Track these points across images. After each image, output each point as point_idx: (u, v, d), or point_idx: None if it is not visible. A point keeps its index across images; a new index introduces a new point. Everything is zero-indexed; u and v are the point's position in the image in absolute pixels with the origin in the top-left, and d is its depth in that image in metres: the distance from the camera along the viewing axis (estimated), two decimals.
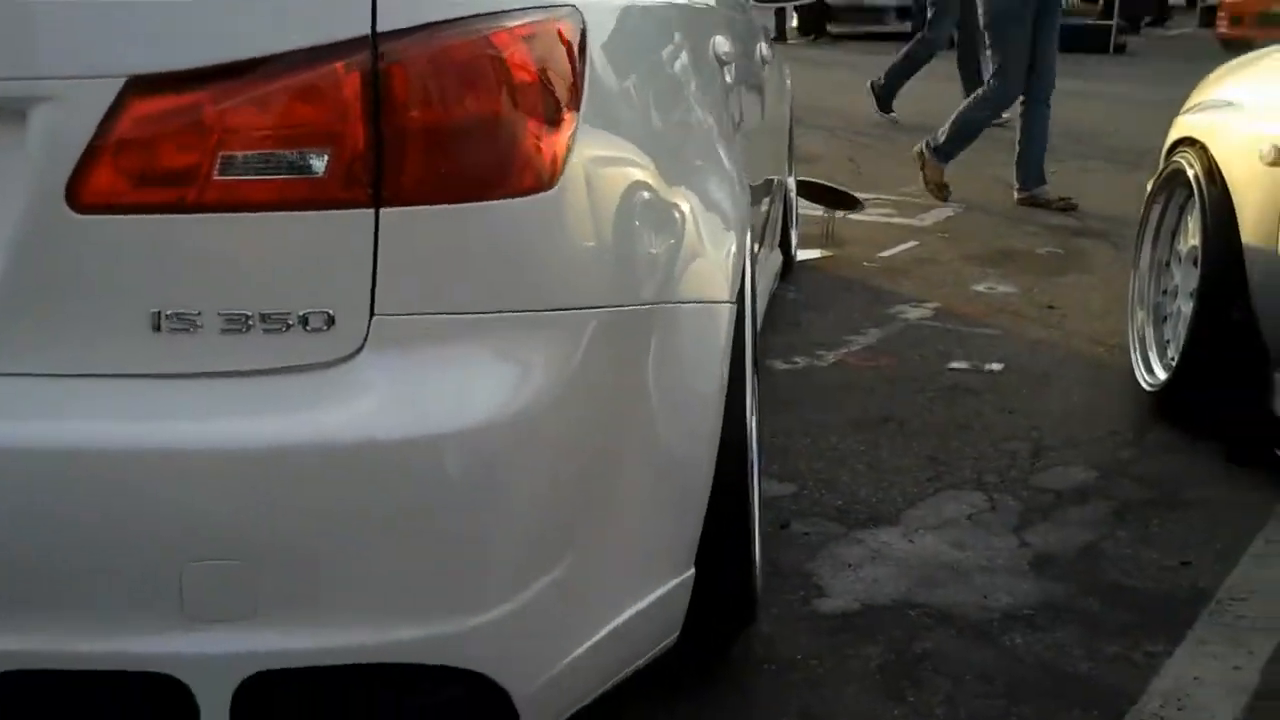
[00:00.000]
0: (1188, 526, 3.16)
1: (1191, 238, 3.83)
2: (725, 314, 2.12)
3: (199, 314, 1.57)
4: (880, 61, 10.13)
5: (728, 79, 2.76)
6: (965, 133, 6.76)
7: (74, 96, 1.54)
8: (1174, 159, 3.92)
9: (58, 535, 1.55)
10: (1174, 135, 4.01)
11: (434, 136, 1.61)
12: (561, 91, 1.71)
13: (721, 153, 2.45)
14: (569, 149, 1.71)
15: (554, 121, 1.69)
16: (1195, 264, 3.78)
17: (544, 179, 1.67)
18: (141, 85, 1.53)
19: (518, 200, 1.66)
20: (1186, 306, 3.81)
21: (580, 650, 1.84)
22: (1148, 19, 18.60)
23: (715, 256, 2.16)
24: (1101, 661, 2.54)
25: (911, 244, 6.17)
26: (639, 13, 2.15)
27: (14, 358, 1.59)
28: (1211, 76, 4.16)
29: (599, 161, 1.80)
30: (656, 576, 2.02)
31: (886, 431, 3.74)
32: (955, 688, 2.44)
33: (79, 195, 1.54)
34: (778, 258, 4.94)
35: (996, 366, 4.33)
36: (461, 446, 1.62)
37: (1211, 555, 3.00)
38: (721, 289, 2.13)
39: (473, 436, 1.62)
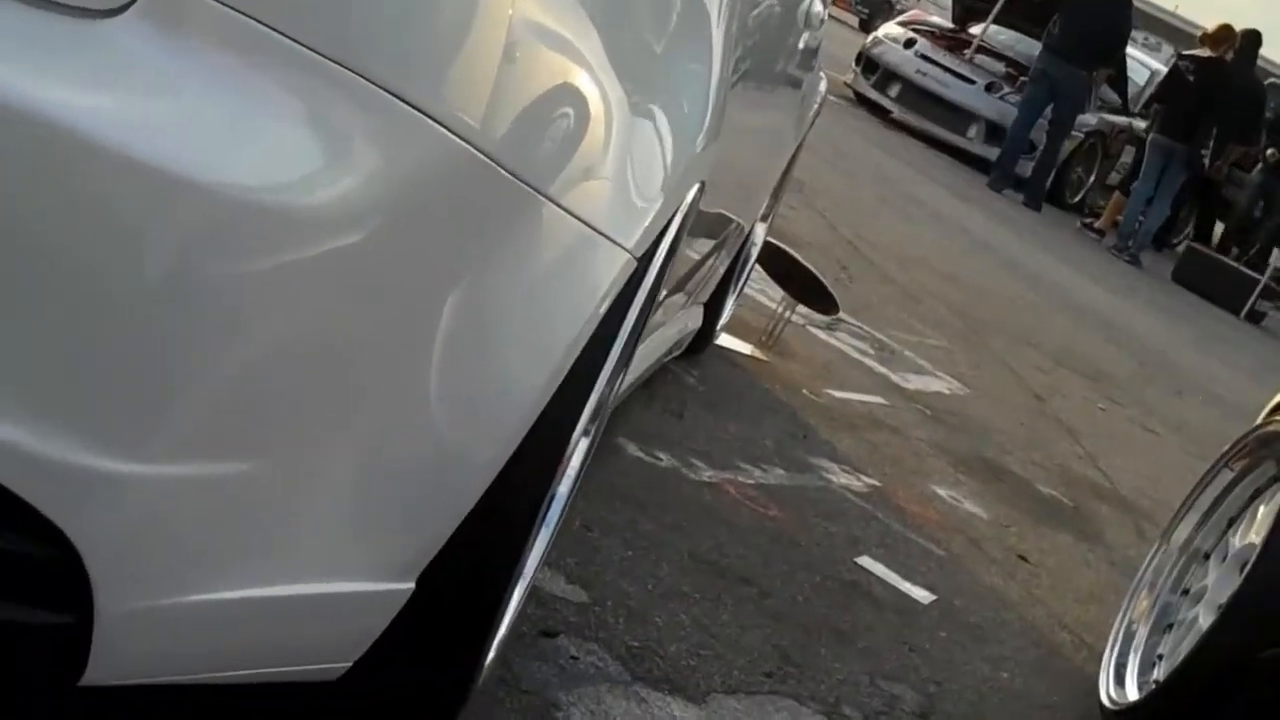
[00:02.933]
0: None
1: (1255, 533, 3.92)
2: (619, 263, 2.13)
3: None
4: (939, 171, 10.35)
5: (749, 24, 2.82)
6: None
7: None
8: (1277, 418, 4.02)
9: None
10: None
11: None
12: None
13: (719, 72, 2.48)
14: None
15: None
16: (1242, 570, 3.86)
17: None
18: None
19: None
20: (1205, 619, 3.89)
21: (220, 595, 1.81)
22: None
23: (648, 193, 2.18)
24: None
25: (877, 399, 6.28)
26: None
27: None
28: None
29: None
30: (366, 564, 2.00)
31: (739, 594, 3.76)
32: None
33: None
34: (694, 322, 4.97)
35: (922, 594, 4.38)
36: (207, 205, 1.59)
37: None
38: (628, 231, 2.14)
39: (226, 199, 1.60)
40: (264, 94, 1.65)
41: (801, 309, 6.31)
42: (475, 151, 1.80)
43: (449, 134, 1.77)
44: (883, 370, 6.77)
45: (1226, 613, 3.68)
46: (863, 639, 3.89)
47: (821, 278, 6.28)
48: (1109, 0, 15.49)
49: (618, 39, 2.09)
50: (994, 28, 18.37)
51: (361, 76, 1.69)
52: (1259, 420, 4.23)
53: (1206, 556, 4.14)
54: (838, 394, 6.05)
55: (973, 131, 17.36)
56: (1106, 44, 15.82)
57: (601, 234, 2.08)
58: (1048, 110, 16.30)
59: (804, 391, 5.88)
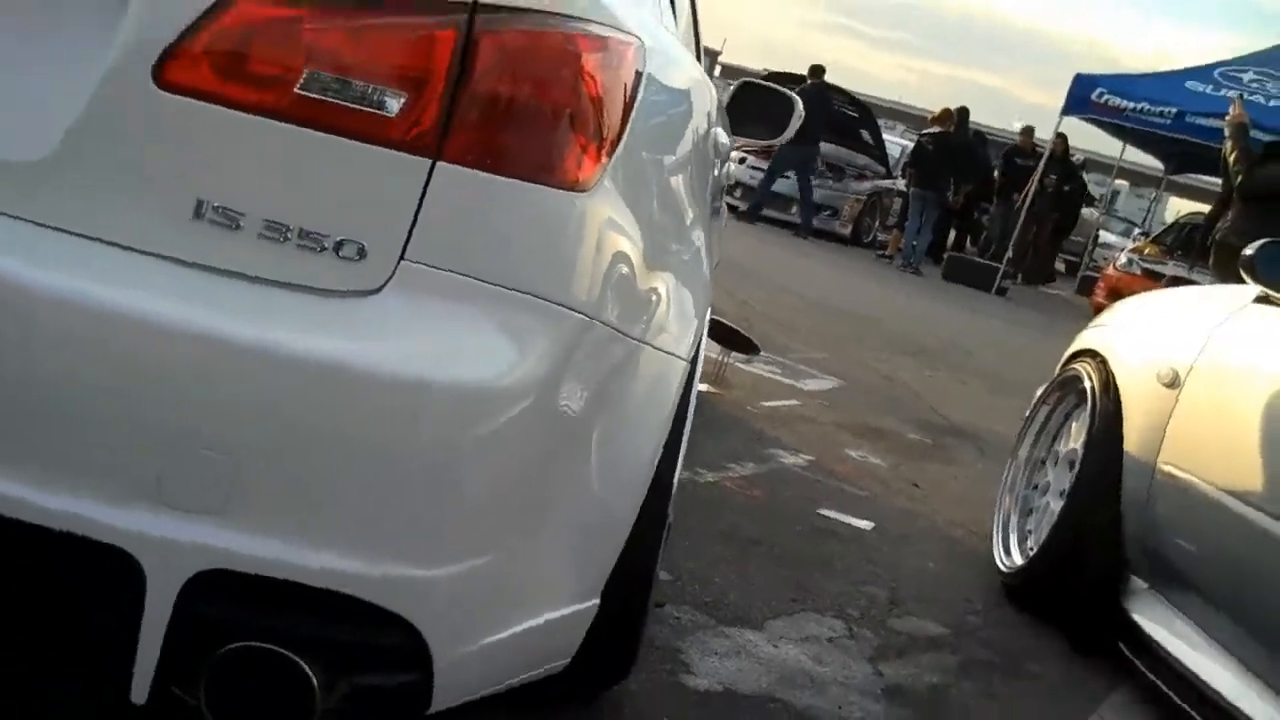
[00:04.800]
0: (1027, 694, 3.27)
1: (1073, 441, 4.01)
2: (681, 369, 2.19)
3: (242, 213, 1.60)
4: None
5: (715, 173, 2.86)
6: None
7: None
8: (1072, 366, 4.12)
9: (55, 385, 1.55)
10: (1076, 346, 4.22)
11: (504, 109, 1.67)
12: (617, 109, 1.80)
13: (703, 233, 2.55)
14: (608, 163, 1.78)
15: (605, 132, 1.77)
16: (1070, 467, 3.94)
17: (584, 180, 1.75)
18: None
19: (557, 192, 1.72)
20: (1055, 504, 3.97)
21: (499, 636, 1.86)
22: (1046, 280, 19.53)
23: (687, 318, 2.24)
24: None
25: (793, 402, 6.32)
26: (677, 74, 2.25)
27: (58, 211, 1.60)
28: (1120, 304, 4.39)
29: (625, 186, 1.88)
30: (570, 594, 2.05)
31: (756, 552, 3.81)
32: None
33: (167, 72, 1.57)
34: None
35: (864, 524, 4.43)
36: (448, 398, 1.65)
37: None
38: (686, 347, 2.20)
39: (459, 392, 1.65)
40: (475, 320, 1.69)
41: (733, 354, 6.36)
42: (605, 325, 1.85)
43: (589, 318, 1.81)
44: (790, 381, 6.81)
45: (1073, 490, 3.74)
46: (839, 563, 3.94)
47: (741, 331, 6.33)
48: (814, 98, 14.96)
49: (672, 224, 2.13)
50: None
51: (529, 294, 1.74)
52: (1057, 370, 4.31)
53: (1043, 463, 4.21)
54: (768, 404, 6.09)
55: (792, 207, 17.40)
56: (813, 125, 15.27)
57: (673, 355, 2.14)
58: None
59: (747, 407, 5.92)
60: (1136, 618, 3.48)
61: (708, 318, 2.31)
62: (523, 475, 1.78)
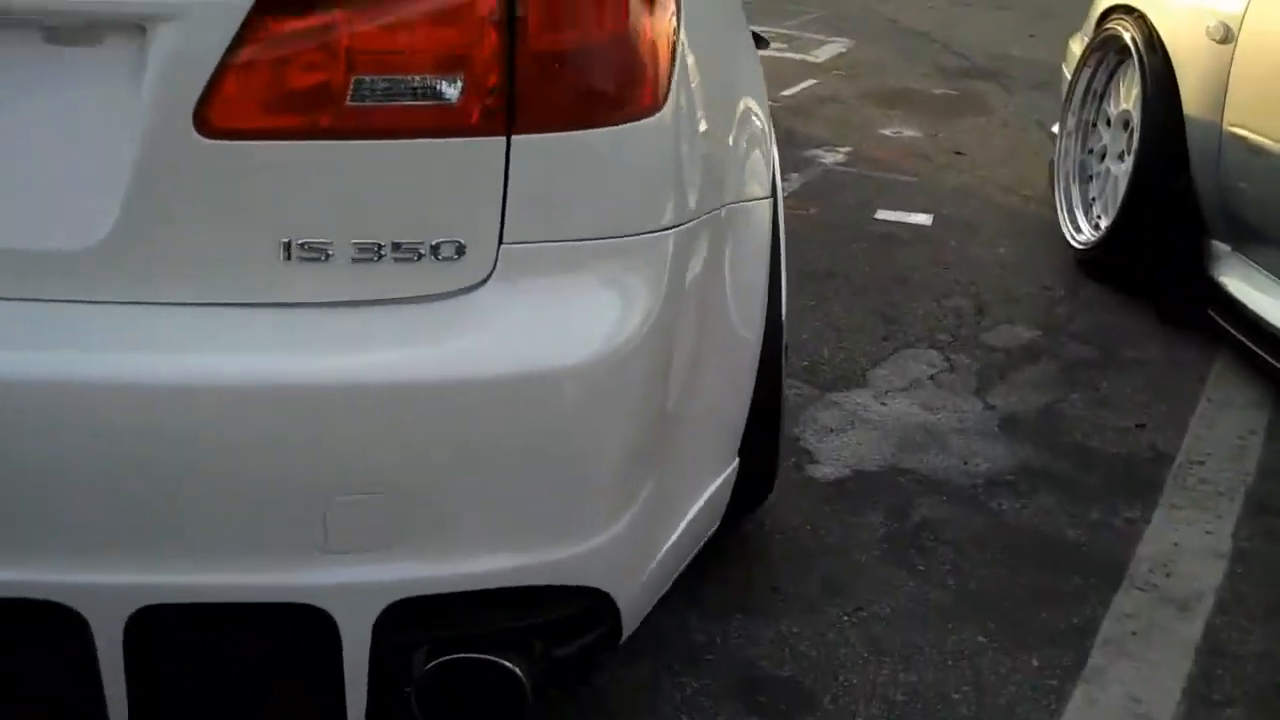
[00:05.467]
0: (1134, 387, 3.28)
1: (1124, 102, 3.89)
2: (768, 205, 2.12)
3: (330, 243, 1.50)
4: None
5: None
6: None
7: (202, 15, 1.43)
8: (1108, 25, 3.95)
9: (186, 472, 1.50)
10: (1108, 2, 4.03)
11: (565, 59, 1.54)
12: (670, 9, 1.66)
13: (755, 72, 2.42)
14: (672, 68, 1.67)
15: (665, 40, 1.64)
16: (1125, 127, 3.84)
17: (658, 99, 1.63)
18: (271, 4, 1.44)
19: (636, 123, 1.61)
20: (1116, 167, 3.89)
21: (662, 553, 1.86)
22: None
23: (760, 158, 2.15)
24: (1086, 528, 2.65)
25: (811, 82, 6.15)
26: None
27: (138, 285, 1.50)
28: None
29: (687, 81, 1.76)
30: (716, 469, 2.04)
31: (833, 286, 3.77)
32: (958, 556, 2.52)
33: (207, 119, 1.45)
34: None
35: (923, 219, 4.37)
36: (581, 375, 1.59)
37: (1161, 417, 3.12)
38: (765, 186, 2.12)
39: (590, 365, 1.60)
40: (585, 285, 1.62)
41: None
42: (699, 217, 1.76)
43: (684, 225, 1.72)
44: (801, 57, 6.62)
45: (1136, 163, 3.65)
46: (915, 276, 3.90)
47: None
48: None
49: (729, 83, 2.01)
50: None
51: (629, 235, 1.65)
52: (1091, 30, 4.15)
53: (1094, 125, 4.10)
54: (788, 92, 5.93)
55: None
56: None
57: (757, 199, 2.05)
58: None
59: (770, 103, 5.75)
60: (1222, 281, 3.45)
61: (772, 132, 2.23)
62: (663, 406, 1.74)
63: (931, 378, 3.25)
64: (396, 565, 1.56)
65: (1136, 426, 3.07)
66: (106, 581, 1.53)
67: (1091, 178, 4.09)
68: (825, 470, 2.79)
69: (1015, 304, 3.73)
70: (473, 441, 1.55)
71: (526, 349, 1.57)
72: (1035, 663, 2.24)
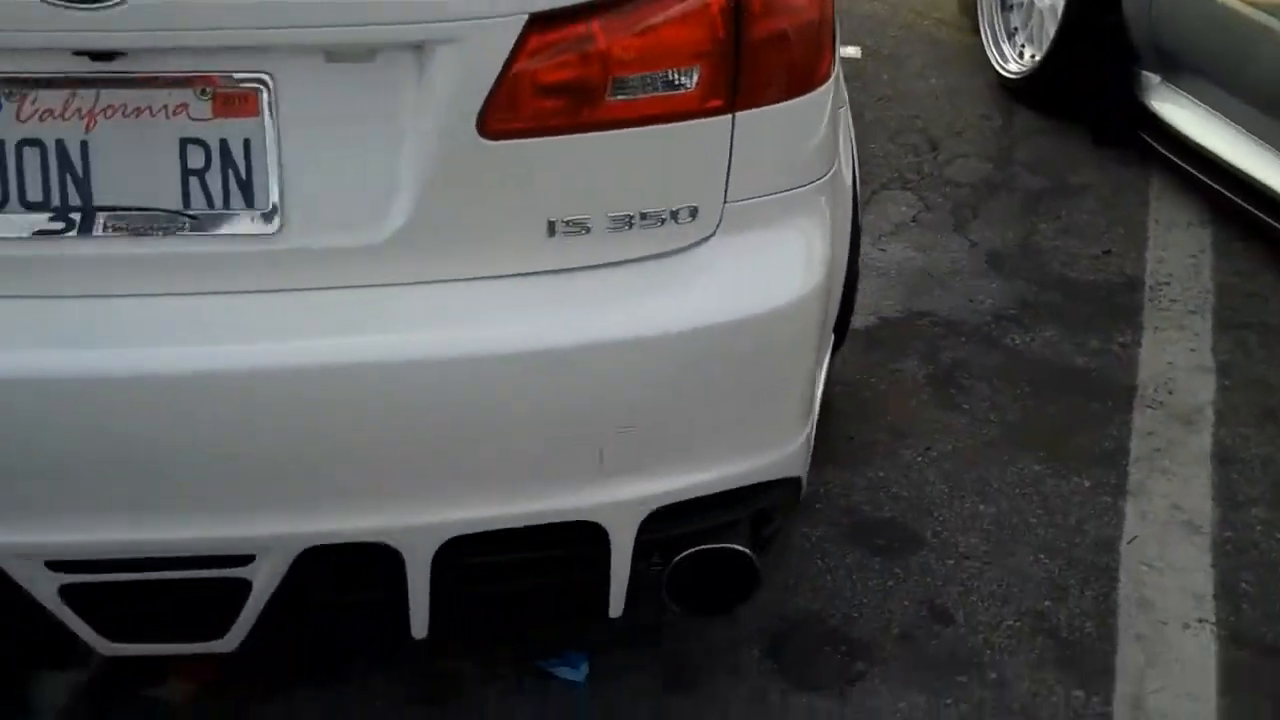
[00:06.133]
0: (1089, 213, 3.63)
1: None
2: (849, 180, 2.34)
3: (588, 219, 1.72)
4: None
5: None
6: None
7: (479, 36, 1.61)
8: None
9: (488, 424, 1.72)
10: None
11: (776, 44, 1.76)
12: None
13: None
14: (838, 45, 1.91)
15: (834, 25, 1.88)
16: None
17: (829, 71, 1.87)
18: (540, 21, 1.62)
19: (814, 92, 1.84)
20: (1041, 0, 4.16)
21: (810, 428, 2.14)
22: None
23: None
24: (1090, 354, 3.02)
25: None
26: None
27: (427, 268, 1.70)
28: None
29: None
30: (830, 349, 2.32)
31: None
32: (992, 391, 2.87)
33: (488, 124, 1.62)
34: None
35: (853, 52, 4.59)
36: (793, 312, 1.84)
37: (1121, 241, 3.50)
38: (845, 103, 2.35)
39: (798, 302, 1.84)
40: (783, 230, 1.85)
41: None
42: (836, 169, 1.99)
43: (829, 172, 1.94)
44: None
45: (1066, 5, 3.93)
46: (864, 114, 4.13)
47: None
48: None
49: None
50: None
51: (805, 184, 1.88)
52: None
53: None
54: None
55: None
56: None
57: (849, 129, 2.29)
58: None
59: None
60: (1154, 107, 3.80)
61: None
62: (828, 324, 2.01)
63: (914, 219, 3.55)
64: (655, 481, 1.82)
65: (1104, 253, 3.43)
66: (419, 523, 1.76)
67: (1011, 7, 4.36)
68: (856, 320, 3.08)
69: (962, 137, 4.02)
70: (711, 373, 1.80)
71: (749, 291, 1.82)
72: (1087, 483, 2.62)
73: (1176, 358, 3.01)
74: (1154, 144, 3.78)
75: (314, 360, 1.67)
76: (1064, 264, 3.38)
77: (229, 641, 1.84)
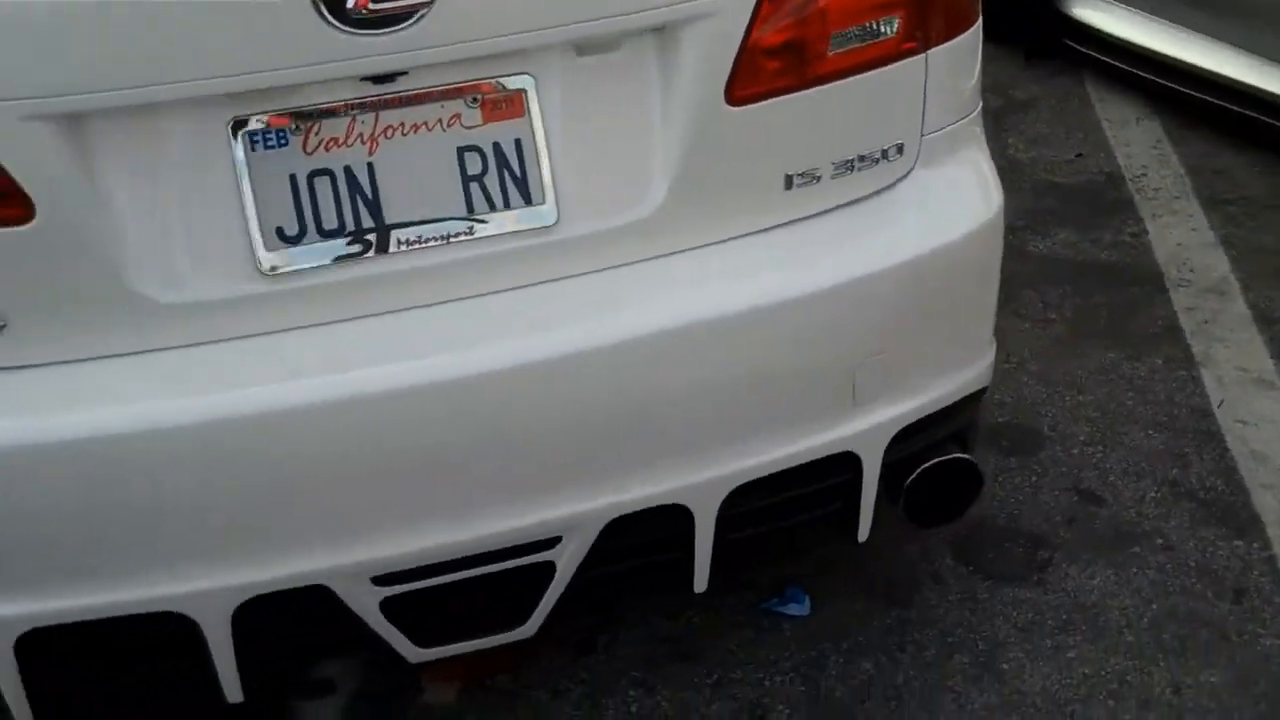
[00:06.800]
0: (1047, 123, 3.87)
1: None
2: None
3: (818, 168, 1.84)
4: None
5: None
6: None
7: (722, 11, 1.71)
8: None
9: (763, 374, 1.83)
10: None
11: None
12: None
13: None
14: None
15: None
16: None
17: (979, 13, 2.02)
18: None
19: (974, 28, 1.99)
20: None
21: None
22: None
23: None
24: (1108, 247, 3.25)
25: None
26: None
27: (685, 236, 1.80)
28: None
29: None
30: None
31: None
32: (1040, 296, 3.07)
33: (734, 92, 1.73)
34: None
35: None
36: (990, 229, 2.00)
37: (1081, 142, 3.74)
38: None
39: (994, 221, 2.00)
40: (966, 154, 2.01)
41: None
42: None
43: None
44: None
45: None
46: None
47: None
48: None
49: None
50: None
51: (969, 115, 2.02)
52: None
53: None
54: None
55: None
56: None
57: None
58: None
59: None
60: (1076, 14, 4.06)
61: None
62: None
63: None
64: (896, 404, 1.95)
65: (1076, 156, 3.67)
66: (708, 478, 1.86)
67: None
68: None
69: None
70: (934, 295, 1.94)
71: (952, 217, 1.96)
72: (1159, 360, 2.83)
73: (1183, 238, 3.24)
74: (1083, 50, 4.02)
75: (607, 338, 1.75)
76: (1047, 171, 3.60)
77: (529, 627, 1.91)
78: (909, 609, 2.25)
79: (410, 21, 1.57)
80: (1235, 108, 3.54)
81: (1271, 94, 3.45)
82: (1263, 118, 3.47)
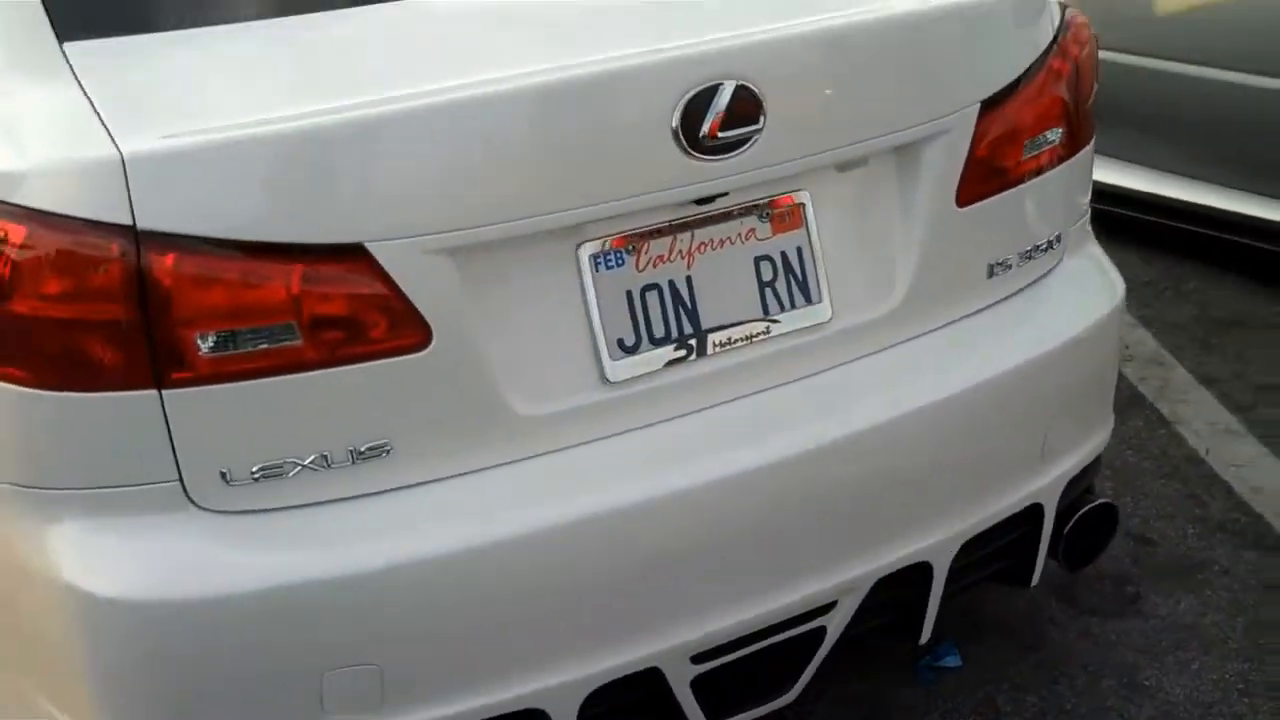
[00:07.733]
0: None
1: None
2: None
3: (1010, 258, 2.13)
4: None
5: None
6: None
7: (957, 127, 2.02)
8: None
9: (993, 438, 2.10)
10: None
11: (1086, 103, 2.21)
12: None
13: None
14: None
15: None
16: None
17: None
18: (986, 106, 2.04)
19: (1092, 141, 2.30)
20: None
21: None
22: None
23: None
24: None
25: None
26: None
27: (916, 322, 2.06)
28: None
29: None
30: None
31: None
32: None
33: (961, 196, 2.02)
34: None
35: None
36: (1122, 305, 2.31)
37: None
38: None
39: (1120, 304, 2.30)
40: (1089, 243, 2.35)
41: None
42: None
43: None
44: None
45: None
46: None
47: None
48: None
49: None
50: None
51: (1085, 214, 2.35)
52: None
53: None
54: None
55: None
56: None
57: None
58: None
59: None
60: None
61: None
62: None
63: None
64: (1069, 459, 2.24)
65: None
66: (947, 536, 2.10)
67: None
68: None
69: None
70: (1093, 362, 2.26)
71: (1096, 299, 2.28)
72: (1141, 424, 3.23)
73: None
74: None
75: (879, 417, 1.98)
76: None
77: (793, 693, 2.08)
78: (1042, 649, 2.51)
79: (744, 148, 1.79)
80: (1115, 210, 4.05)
81: (1133, 190, 3.99)
82: (1135, 215, 3.98)
